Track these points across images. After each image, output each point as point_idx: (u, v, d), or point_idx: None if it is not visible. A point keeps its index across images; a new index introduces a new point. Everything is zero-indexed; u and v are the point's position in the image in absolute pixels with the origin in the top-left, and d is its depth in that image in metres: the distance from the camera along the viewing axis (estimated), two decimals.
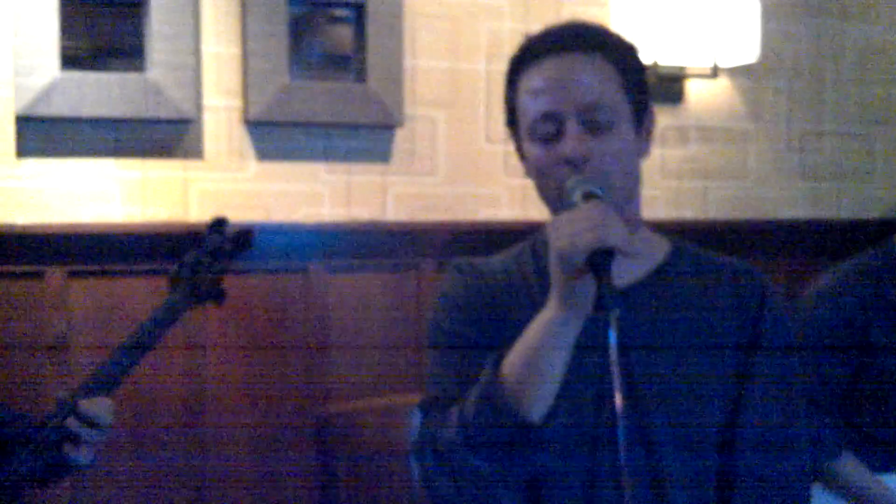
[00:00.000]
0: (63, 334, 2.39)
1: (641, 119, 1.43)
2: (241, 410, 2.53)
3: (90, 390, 1.67)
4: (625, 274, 1.42)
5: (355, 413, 2.25)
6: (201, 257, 1.87)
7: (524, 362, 1.27)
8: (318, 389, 2.56)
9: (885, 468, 2.14)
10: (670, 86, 2.95)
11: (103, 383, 1.69)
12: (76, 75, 2.37)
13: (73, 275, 2.41)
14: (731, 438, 1.43)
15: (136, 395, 2.35)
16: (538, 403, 1.27)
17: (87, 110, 2.39)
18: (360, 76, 2.60)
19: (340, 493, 2.18)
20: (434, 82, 2.72)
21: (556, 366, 1.27)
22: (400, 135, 2.69)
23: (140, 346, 1.76)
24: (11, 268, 2.36)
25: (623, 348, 1.33)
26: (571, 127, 1.35)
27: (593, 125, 1.35)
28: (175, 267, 1.86)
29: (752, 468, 1.42)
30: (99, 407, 1.64)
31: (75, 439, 1.63)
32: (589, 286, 1.20)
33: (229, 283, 2.47)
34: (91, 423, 1.63)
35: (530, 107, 1.39)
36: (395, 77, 2.61)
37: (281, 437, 2.55)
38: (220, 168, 2.54)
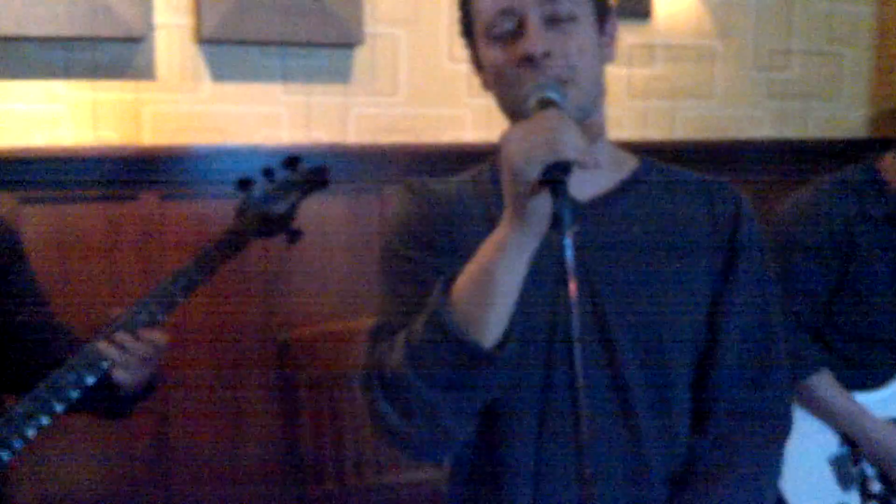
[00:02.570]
0: None
1: (604, 19, 1.36)
2: (202, 337, 2.49)
3: (136, 314, 1.63)
4: (590, 185, 1.37)
5: (316, 338, 2.22)
6: (270, 190, 1.83)
7: (475, 284, 1.18)
8: (279, 314, 2.52)
9: (861, 386, 2.15)
10: (637, 2, 2.89)
11: (152, 309, 1.64)
12: None
13: (25, 201, 2.35)
14: (709, 358, 1.37)
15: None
16: (490, 328, 1.18)
17: (34, 29, 2.29)
18: None
19: (302, 418, 2.16)
20: None
21: (510, 288, 1.18)
22: (360, 53, 2.61)
23: (197, 274, 1.70)
24: None
25: (586, 264, 1.27)
26: (531, 21, 1.27)
27: (554, 18, 1.28)
28: (242, 197, 1.81)
29: (731, 388, 1.37)
30: (136, 335, 1.61)
31: (112, 362, 1.60)
32: (545, 202, 1.10)
33: (185, 206, 2.47)
34: (125, 349, 1.60)
35: (487, 4, 1.31)
36: None
37: (242, 362, 2.52)
38: (173, 89, 2.46)
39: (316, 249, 2.56)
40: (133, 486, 2.48)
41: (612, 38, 1.38)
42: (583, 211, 1.34)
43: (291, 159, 1.86)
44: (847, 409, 2.09)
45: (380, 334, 1.31)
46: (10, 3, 2.25)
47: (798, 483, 2.06)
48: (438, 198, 1.41)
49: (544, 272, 1.24)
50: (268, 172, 1.83)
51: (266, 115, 2.55)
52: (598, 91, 1.37)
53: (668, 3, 2.93)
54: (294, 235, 1.89)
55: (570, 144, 1.09)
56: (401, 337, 1.24)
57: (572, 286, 1.07)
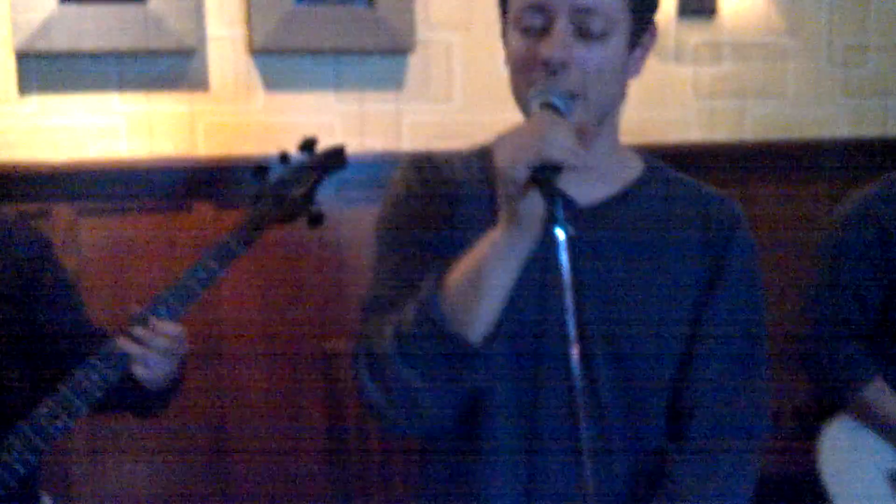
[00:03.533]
0: (73, 273, 2.37)
1: (640, 35, 1.31)
2: (257, 346, 2.51)
3: (154, 309, 1.61)
4: (592, 191, 1.36)
5: None
6: (287, 174, 1.81)
7: (467, 280, 1.19)
8: (329, 324, 2.51)
9: None
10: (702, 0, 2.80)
11: (171, 303, 1.63)
12: (75, 8, 2.31)
13: (82, 213, 2.38)
14: (687, 369, 1.36)
15: None
16: (479, 324, 1.19)
17: (88, 44, 2.33)
18: None
19: (349, 428, 2.15)
20: (448, 3, 2.60)
21: (501, 287, 1.18)
22: (413, 60, 2.59)
23: (215, 265, 1.68)
24: (18, 206, 2.32)
25: (576, 269, 1.25)
26: (559, 26, 1.24)
27: (584, 31, 1.24)
28: (260, 183, 1.80)
29: (710, 398, 1.36)
30: (153, 328, 1.59)
31: (131, 357, 1.58)
32: (536, 204, 1.10)
33: (240, 216, 2.47)
34: (143, 344, 1.58)
35: None
36: None
37: (291, 372, 2.52)
38: (226, 100, 2.47)
39: (367, 259, 2.54)
40: (190, 491, 2.50)
41: (646, 51, 1.35)
42: (580, 215, 1.33)
43: (307, 142, 1.85)
44: None
45: (373, 308, 1.32)
46: (63, 19, 2.29)
47: (852, 499, 1.97)
48: (442, 173, 1.39)
49: (537, 271, 1.24)
50: (283, 158, 1.82)
51: (319, 124, 2.54)
52: (610, 105, 1.33)
53: (734, 0, 2.84)
54: (316, 219, 1.85)
55: (558, 145, 1.09)
56: (391, 321, 1.25)
57: (567, 288, 1.08)
